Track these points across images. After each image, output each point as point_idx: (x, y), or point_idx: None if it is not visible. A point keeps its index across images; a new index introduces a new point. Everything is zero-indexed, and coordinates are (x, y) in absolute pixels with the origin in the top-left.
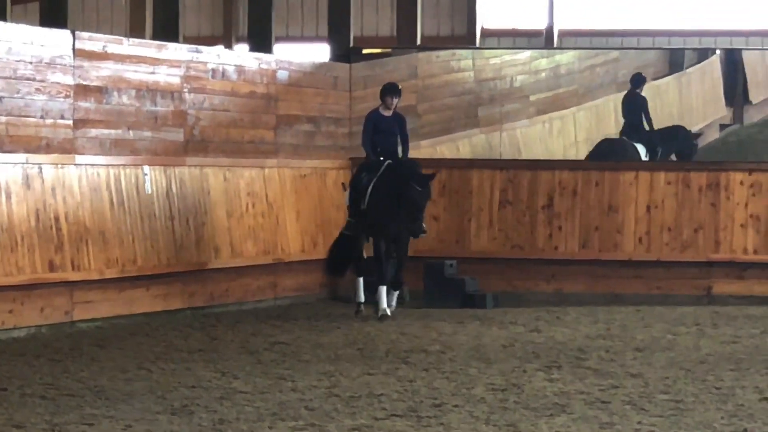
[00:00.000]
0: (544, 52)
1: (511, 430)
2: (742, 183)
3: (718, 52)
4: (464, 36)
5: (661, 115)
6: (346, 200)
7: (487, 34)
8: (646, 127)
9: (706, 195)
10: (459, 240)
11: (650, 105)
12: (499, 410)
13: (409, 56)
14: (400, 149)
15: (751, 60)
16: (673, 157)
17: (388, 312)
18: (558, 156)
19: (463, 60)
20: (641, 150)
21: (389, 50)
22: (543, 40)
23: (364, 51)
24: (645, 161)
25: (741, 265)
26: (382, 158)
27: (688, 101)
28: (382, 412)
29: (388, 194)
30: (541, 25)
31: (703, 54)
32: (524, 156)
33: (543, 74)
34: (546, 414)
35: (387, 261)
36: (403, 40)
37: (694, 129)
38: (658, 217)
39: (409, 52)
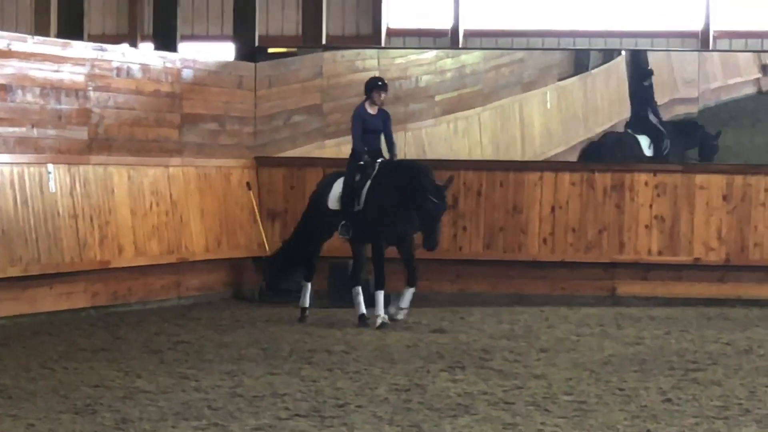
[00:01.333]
0: (450, 52)
1: (414, 430)
2: (646, 184)
3: (623, 52)
4: (370, 35)
5: (565, 116)
6: (332, 202)
7: (392, 33)
8: (651, 120)
9: (610, 196)
10: None
11: (555, 106)
12: (402, 411)
13: (315, 55)
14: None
15: (656, 61)
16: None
17: (387, 320)
18: (463, 156)
19: (368, 59)
20: (644, 142)
21: (294, 49)
22: (448, 40)
23: (270, 50)
24: (551, 162)
25: (645, 266)
26: (378, 159)
27: (593, 102)
28: (285, 412)
29: (391, 195)
30: (447, 25)
31: (609, 55)
32: (429, 156)
33: (448, 74)
34: (449, 415)
35: (382, 265)
36: (309, 39)
37: (599, 130)
38: (563, 217)
39: (315, 52)
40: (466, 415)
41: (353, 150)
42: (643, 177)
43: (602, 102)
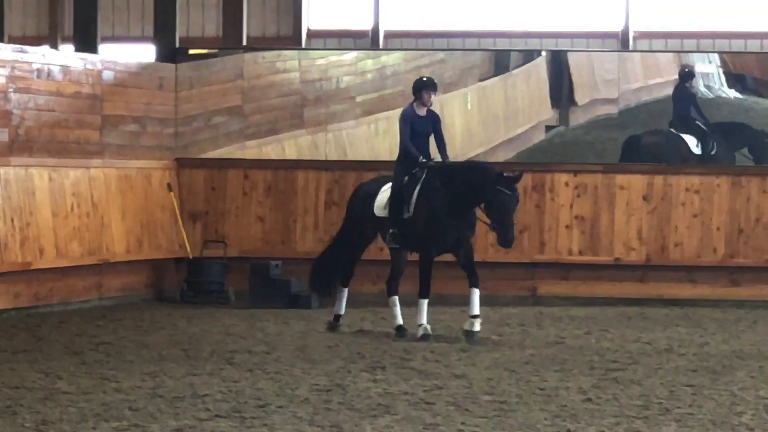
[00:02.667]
0: (370, 53)
1: (335, 430)
2: (567, 184)
3: (543, 53)
4: (290, 37)
5: (486, 117)
6: (378, 209)
7: (313, 35)
8: (696, 120)
9: (531, 196)
10: (284, 240)
11: (475, 106)
12: (323, 411)
13: (235, 57)
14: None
15: (576, 62)
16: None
17: (429, 330)
18: (384, 157)
19: (289, 61)
20: (691, 141)
21: (215, 51)
22: (369, 41)
23: (190, 52)
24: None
25: (565, 266)
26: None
27: (513, 103)
28: (206, 413)
29: (444, 200)
30: (367, 26)
31: (529, 56)
32: (350, 157)
33: (369, 75)
34: (370, 415)
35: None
36: (229, 40)
37: (520, 130)
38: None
39: (235, 53)
40: (387, 415)
41: (404, 154)
42: (563, 177)
43: (523, 102)
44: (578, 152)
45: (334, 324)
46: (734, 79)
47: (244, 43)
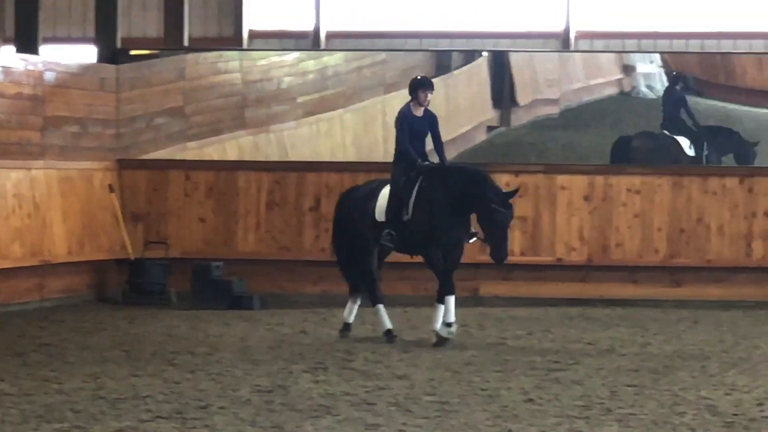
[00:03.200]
0: (312, 53)
1: (276, 431)
2: (508, 185)
3: (485, 54)
4: (232, 38)
5: None
6: (379, 214)
7: (254, 35)
8: (687, 122)
9: None
10: (226, 241)
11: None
12: (264, 412)
13: (177, 57)
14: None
15: (517, 62)
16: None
17: (454, 331)
18: (325, 158)
19: (230, 61)
20: (684, 143)
21: (157, 52)
22: (310, 41)
23: (132, 52)
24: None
25: (507, 267)
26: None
27: (455, 103)
28: (148, 414)
29: (443, 202)
30: (309, 26)
31: (470, 56)
32: (291, 158)
33: (310, 76)
34: (311, 416)
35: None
36: (171, 41)
37: (462, 130)
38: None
39: (177, 54)
40: (328, 416)
41: (402, 155)
42: (505, 178)
43: (464, 103)
44: (520, 153)
45: (391, 338)
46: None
47: (186, 43)
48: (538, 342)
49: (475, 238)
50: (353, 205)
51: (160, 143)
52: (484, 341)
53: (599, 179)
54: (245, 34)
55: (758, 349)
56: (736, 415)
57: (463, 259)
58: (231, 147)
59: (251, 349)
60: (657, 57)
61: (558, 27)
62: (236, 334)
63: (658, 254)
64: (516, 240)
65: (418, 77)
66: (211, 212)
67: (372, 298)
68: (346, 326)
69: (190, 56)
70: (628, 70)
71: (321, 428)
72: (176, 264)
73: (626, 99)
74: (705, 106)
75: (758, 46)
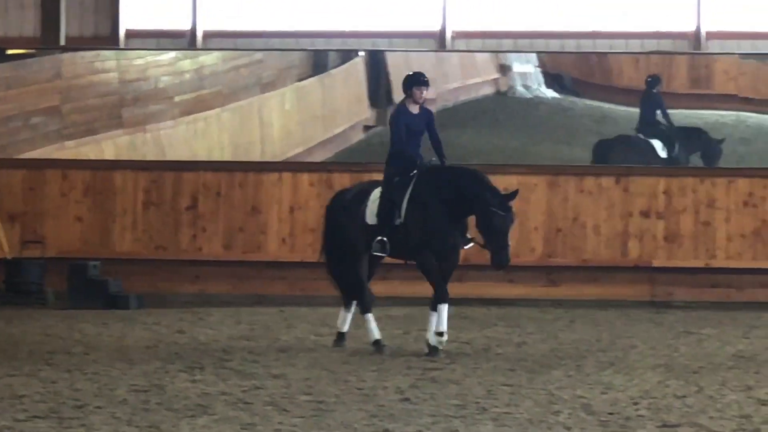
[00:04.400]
0: (188, 53)
1: (153, 431)
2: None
3: (361, 53)
4: (108, 37)
5: (304, 117)
6: (370, 217)
7: (131, 35)
8: (662, 124)
9: None
10: (103, 241)
11: (294, 106)
12: (141, 411)
13: (53, 57)
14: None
15: (394, 61)
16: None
17: (444, 341)
18: (202, 157)
19: (107, 61)
20: (657, 144)
21: (33, 51)
22: (187, 41)
23: (8, 51)
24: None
25: (385, 266)
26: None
27: (331, 103)
28: (23, 413)
29: (439, 204)
30: (185, 26)
31: (347, 55)
32: (168, 157)
33: (187, 75)
34: (188, 415)
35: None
36: (47, 40)
37: (338, 130)
38: (302, 218)
39: (53, 53)
40: (205, 416)
41: (397, 154)
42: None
43: (341, 103)
44: None
45: (381, 348)
46: (552, 79)
47: (62, 43)
48: (415, 341)
49: (472, 244)
50: (341, 210)
51: (37, 142)
52: (361, 341)
53: None
54: (122, 34)
55: (634, 348)
56: (611, 414)
57: None
58: (108, 146)
59: (128, 348)
60: (533, 57)
61: (435, 26)
62: (113, 334)
63: (534, 254)
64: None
65: (412, 74)
66: (87, 211)
67: (361, 307)
68: (340, 336)
69: (67, 55)
70: (504, 69)
71: (197, 427)
72: (53, 263)
73: (503, 98)
74: (582, 106)
75: (634, 45)
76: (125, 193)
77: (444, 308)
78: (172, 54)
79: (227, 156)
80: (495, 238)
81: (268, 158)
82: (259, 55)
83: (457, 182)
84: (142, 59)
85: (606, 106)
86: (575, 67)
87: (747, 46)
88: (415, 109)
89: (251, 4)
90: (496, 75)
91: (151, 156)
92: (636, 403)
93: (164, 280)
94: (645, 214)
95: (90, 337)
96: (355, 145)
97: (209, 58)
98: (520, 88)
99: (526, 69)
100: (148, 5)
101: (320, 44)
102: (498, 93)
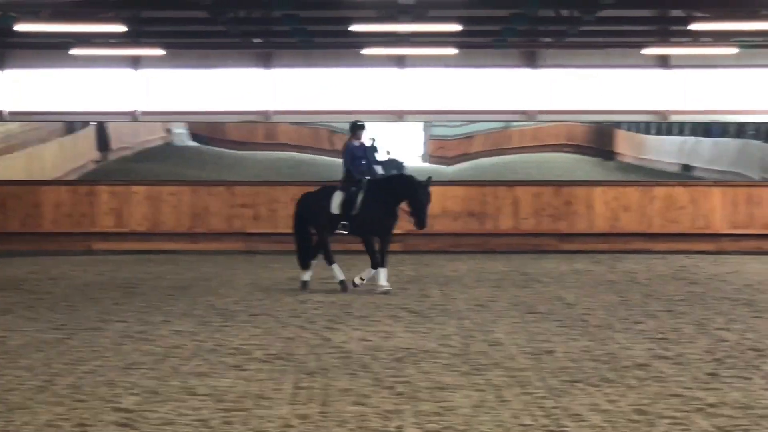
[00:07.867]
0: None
1: None
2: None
3: (92, 123)
4: None
5: (65, 156)
6: (334, 208)
7: None
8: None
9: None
10: None
11: (57, 151)
12: None
13: None
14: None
15: (113, 127)
16: None
17: (388, 287)
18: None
19: None
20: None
21: None
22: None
23: None
24: None
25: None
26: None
27: (78, 149)
28: None
29: (380, 201)
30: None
31: (86, 124)
32: None
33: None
34: None
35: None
36: None
37: (80, 163)
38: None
39: None
40: None
41: (350, 174)
42: (109, 189)
43: (83, 148)
44: (115, 175)
45: (346, 287)
46: (193, 136)
47: None
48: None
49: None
50: (311, 204)
51: None
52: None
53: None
54: None
55: None
56: None
57: (78, 228)
58: None
59: None
60: (183, 125)
61: (131, 107)
62: None
63: None
64: None
65: (357, 122)
66: None
67: (327, 259)
68: (304, 284)
69: None
70: (170, 131)
71: None
72: None
73: (169, 146)
74: (209, 151)
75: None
76: None
77: (382, 271)
78: None
79: (21, 177)
80: (421, 209)
81: (44, 178)
82: (38, 124)
83: (395, 183)
84: None
85: (223, 150)
86: (206, 130)
87: None
88: (357, 143)
89: (49, 91)
90: (165, 134)
91: None
92: None
93: None
94: None
95: None
96: (90, 171)
97: (12, 126)
98: (177, 141)
99: (180, 130)
100: None
101: (85, 118)
102: (166, 143)
